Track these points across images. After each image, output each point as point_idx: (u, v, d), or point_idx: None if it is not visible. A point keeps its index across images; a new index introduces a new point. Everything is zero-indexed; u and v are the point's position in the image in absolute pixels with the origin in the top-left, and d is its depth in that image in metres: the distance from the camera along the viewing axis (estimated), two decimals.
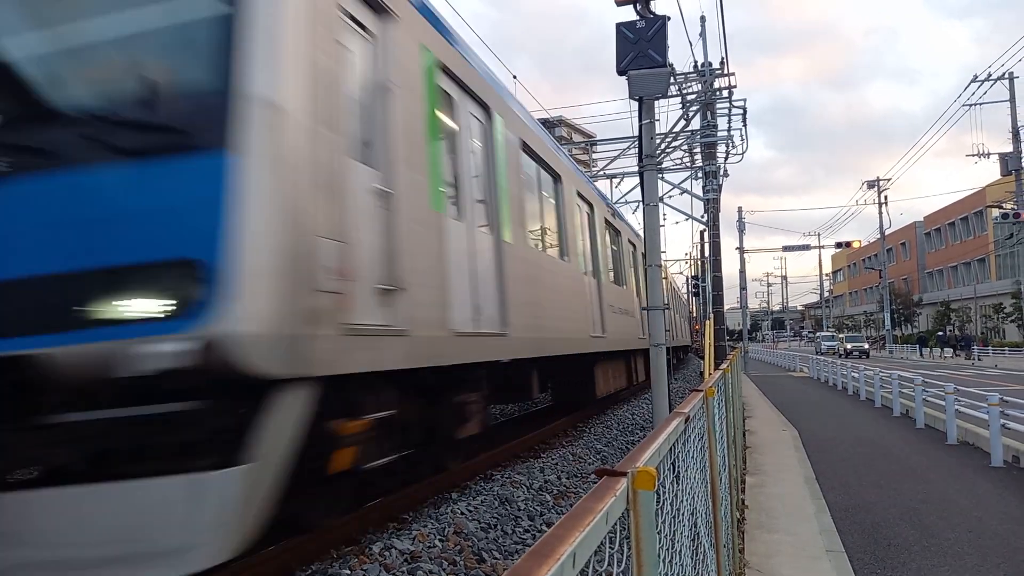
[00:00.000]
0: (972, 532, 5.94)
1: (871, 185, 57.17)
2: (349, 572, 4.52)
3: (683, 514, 2.40)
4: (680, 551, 2.21)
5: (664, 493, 1.99)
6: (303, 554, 4.85)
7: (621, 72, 8.76)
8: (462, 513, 6.01)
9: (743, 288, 40.47)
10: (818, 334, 66.02)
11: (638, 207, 25.78)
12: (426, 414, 6.11)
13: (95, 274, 3.72)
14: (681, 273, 53.04)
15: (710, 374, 10.10)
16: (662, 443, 1.95)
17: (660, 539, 1.72)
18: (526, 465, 8.40)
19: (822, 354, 46.69)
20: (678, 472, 2.41)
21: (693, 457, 2.85)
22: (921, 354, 48.42)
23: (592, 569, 1.19)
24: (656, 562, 1.49)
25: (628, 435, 11.82)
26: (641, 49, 8.68)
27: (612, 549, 1.33)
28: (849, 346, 50.02)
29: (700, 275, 34.57)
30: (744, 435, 10.93)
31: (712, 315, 23.57)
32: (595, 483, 1.40)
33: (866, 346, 50.85)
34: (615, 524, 1.32)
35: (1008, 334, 53.14)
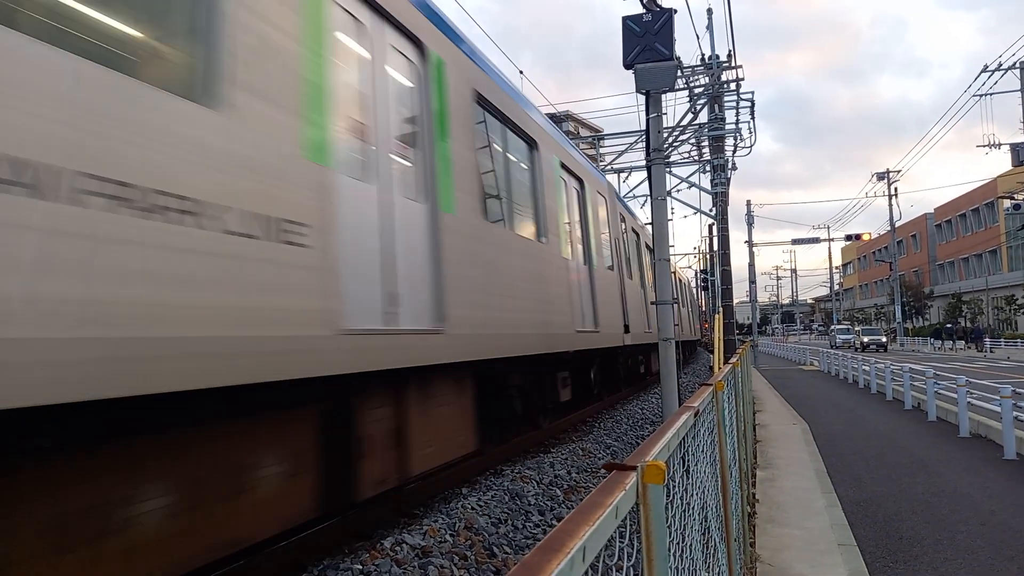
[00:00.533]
0: (985, 525, 5.91)
1: (881, 177, 56.83)
2: (361, 567, 4.54)
3: (693, 508, 2.40)
4: (691, 545, 2.21)
5: (674, 487, 1.99)
6: (315, 549, 4.88)
7: (628, 66, 8.75)
8: (472, 508, 6.03)
9: (752, 282, 40.35)
10: (833, 327, 65.09)
11: (646, 201, 25.73)
12: None
13: None
14: (690, 267, 52.95)
15: (720, 368, 10.08)
16: (671, 437, 1.95)
17: (670, 533, 1.72)
18: (536, 460, 8.41)
19: (837, 348, 46.20)
20: (688, 466, 2.41)
21: (703, 451, 2.85)
22: (935, 346, 47.96)
23: (603, 563, 1.19)
24: (666, 556, 1.49)
25: (638, 430, 11.81)
26: (648, 42, 8.66)
27: (622, 543, 1.33)
28: (866, 339, 48.93)
29: (709, 269, 34.49)
30: (754, 429, 10.90)
31: (721, 309, 23.49)
32: (605, 477, 1.40)
33: (884, 339, 49.62)
34: (625, 518, 1.32)
35: (1020, 326, 52.75)
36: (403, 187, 5.64)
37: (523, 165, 9.01)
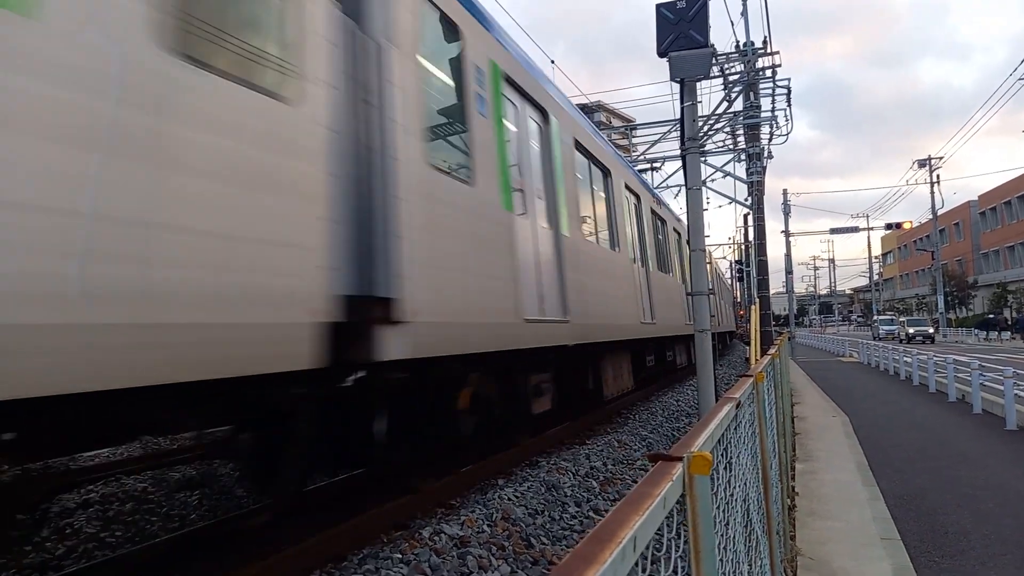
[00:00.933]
0: None
1: (922, 164, 55.46)
2: (400, 556, 4.60)
3: (736, 500, 2.38)
4: (734, 537, 2.20)
5: (717, 478, 1.97)
6: (354, 538, 4.95)
7: (662, 54, 8.64)
8: (509, 499, 6.05)
9: (789, 272, 39.72)
10: (876, 318, 62.88)
11: (680, 191, 25.45)
12: None
13: None
14: (724, 258, 52.36)
15: (757, 360, 9.95)
16: (714, 428, 1.94)
17: (715, 525, 1.71)
18: (571, 452, 8.41)
19: (880, 339, 44.96)
20: (730, 458, 2.39)
21: (744, 443, 2.82)
22: (979, 337, 46.39)
23: (651, 553, 1.19)
24: (713, 548, 1.48)
25: (673, 422, 11.74)
26: (682, 30, 8.55)
27: (669, 534, 1.32)
28: (912, 330, 46.28)
29: (744, 259, 34.05)
30: (793, 421, 10.76)
31: (758, 300, 23.20)
32: (642, 470, 1.40)
33: (931, 330, 46.92)
34: (672, 509, 1.32)
35: None
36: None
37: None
